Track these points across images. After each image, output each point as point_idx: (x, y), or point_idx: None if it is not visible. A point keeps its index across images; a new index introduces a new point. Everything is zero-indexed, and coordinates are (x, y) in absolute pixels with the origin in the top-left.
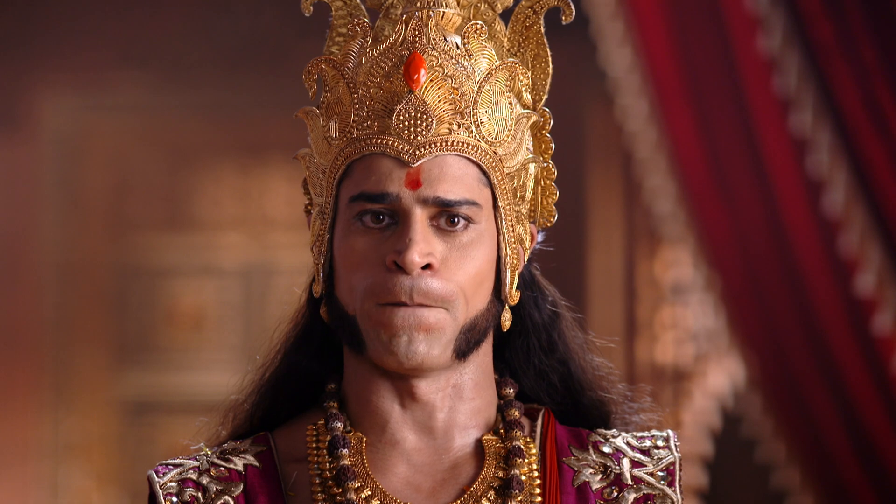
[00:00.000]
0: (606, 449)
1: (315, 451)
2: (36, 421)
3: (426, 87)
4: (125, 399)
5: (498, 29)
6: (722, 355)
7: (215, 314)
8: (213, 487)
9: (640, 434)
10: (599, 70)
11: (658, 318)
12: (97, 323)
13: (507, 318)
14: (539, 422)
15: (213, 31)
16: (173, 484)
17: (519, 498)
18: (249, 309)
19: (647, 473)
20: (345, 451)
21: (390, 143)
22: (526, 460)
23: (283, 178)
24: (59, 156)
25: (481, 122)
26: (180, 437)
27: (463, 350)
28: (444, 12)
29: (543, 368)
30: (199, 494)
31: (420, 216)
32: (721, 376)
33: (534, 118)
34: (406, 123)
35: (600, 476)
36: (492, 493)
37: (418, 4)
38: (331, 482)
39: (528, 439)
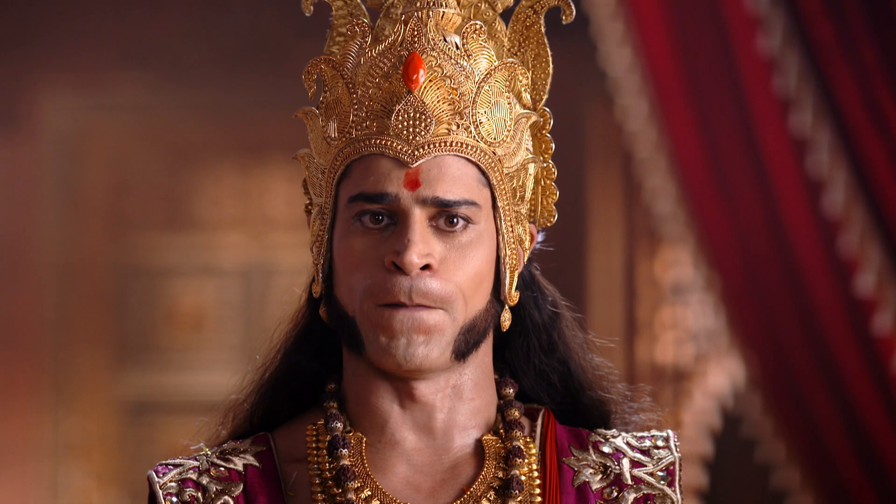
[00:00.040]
0: (606, 449)
1: (315, 452)
2: (36, 421)
3: (425, 88)
4: (125, 399)
5: (498, 29)
6: (722, 355)
7: (215, 314)
8: (213, 487)
9: (639, 434)
10: (599, 70)
11: (658, 318)
12: (97, 323)
13: (506, 319)
14: (539, 422)
15: (213, 31)
16: (173, 484)
17: (519, 498)
18: (249, 309)
19: (646, 473)
20: (345, 451)
21: (389, 143)
22: (526, 460)
23: (283, 178)
24: (59, 156)
25: (480, 123)
26: (180, 437)
27: (462, 351)
28: (443, 12)
29: (543, 368)
30: (199, 494)
31: (419, 216)
32: (721, 376)
33: (533, 118)
34: (405, 124)
35: (600, 476)
36: (492, 493)
37: (418, 4)
38: (331, 482)
39: (528, 439)
